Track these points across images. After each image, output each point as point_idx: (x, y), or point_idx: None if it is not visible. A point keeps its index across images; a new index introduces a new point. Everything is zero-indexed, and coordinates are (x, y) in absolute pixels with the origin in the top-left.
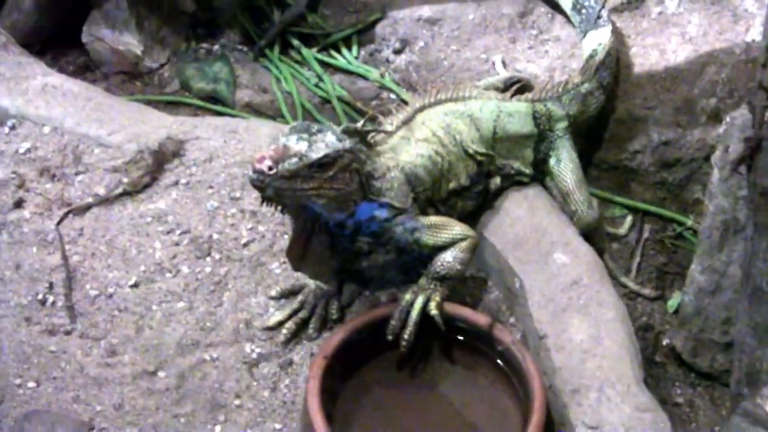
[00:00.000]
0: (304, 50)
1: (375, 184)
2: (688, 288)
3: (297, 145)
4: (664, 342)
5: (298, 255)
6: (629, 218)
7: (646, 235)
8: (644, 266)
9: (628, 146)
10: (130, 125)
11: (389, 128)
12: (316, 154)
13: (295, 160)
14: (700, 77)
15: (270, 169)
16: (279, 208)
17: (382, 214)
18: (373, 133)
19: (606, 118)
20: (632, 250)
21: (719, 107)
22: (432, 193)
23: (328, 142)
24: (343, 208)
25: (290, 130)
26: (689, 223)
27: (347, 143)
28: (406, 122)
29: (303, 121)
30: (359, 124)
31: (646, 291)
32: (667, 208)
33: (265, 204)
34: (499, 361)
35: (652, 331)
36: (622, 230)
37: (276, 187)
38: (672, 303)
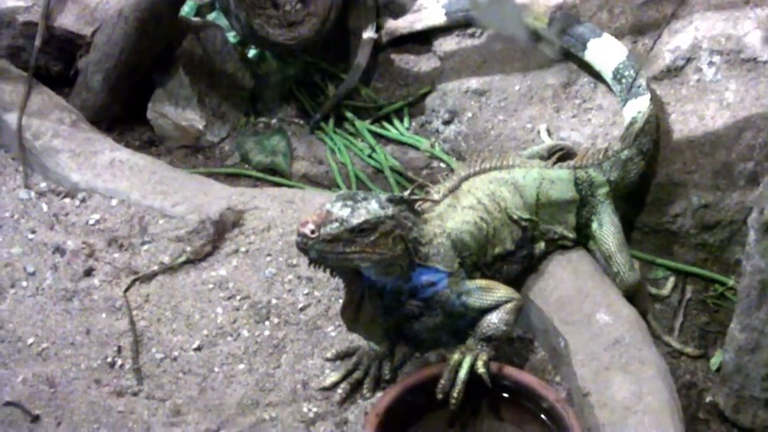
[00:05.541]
0: (358, 122)
1: (422, 250)
2: (729, 346)
3: (340, 211)
4: (708, 399)
5: (351, 316)
6: (672, 279)
7: (688, 295)
8: (687, 326)
9: (669, 210)
10: (192, 197)
11: (436, 197)
12: (356, 220)
13: (336, 224)
14: (737, 142)
15: (312, 232)
16: (331, 272)
17: (437, 279)
18: (419, 202)
19: (647, 183)
20: (675, 311)
21: (757, 170)
22: (478, 258)
23: (370, 209)
24: (390, 273)
25: (336, 198)
26: (731, 283)
27: (389, 210)
28: (453, 190)
29: (350, 190)
30: (406, 193)
31: (689, 350)
32: (708, 269)
33: (312, 266)
34: (544, 417)
35: (695, 388)
36: (664, 291)
37: (318, 250)
38: (714, 361)
